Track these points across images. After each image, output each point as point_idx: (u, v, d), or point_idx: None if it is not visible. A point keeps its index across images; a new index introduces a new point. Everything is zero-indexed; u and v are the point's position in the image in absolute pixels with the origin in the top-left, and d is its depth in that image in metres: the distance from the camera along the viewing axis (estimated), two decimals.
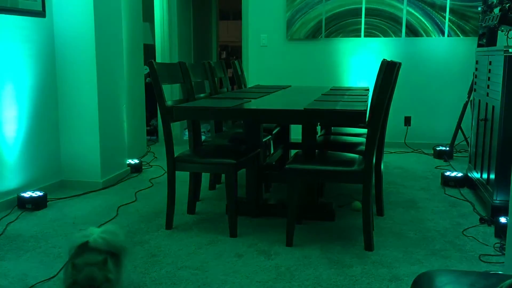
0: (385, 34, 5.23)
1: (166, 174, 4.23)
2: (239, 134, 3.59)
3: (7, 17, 3.15)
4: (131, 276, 2.25)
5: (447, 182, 3.76)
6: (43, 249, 2.56)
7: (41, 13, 3.46)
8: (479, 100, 3.50)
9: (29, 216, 3.08)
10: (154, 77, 2.77)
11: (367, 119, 2.57)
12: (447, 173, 3.79)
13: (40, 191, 3.28)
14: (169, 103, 2.85)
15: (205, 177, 4.01)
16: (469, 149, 3.82)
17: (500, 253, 2.49)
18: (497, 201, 2.93)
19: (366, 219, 2.52)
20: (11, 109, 3.25)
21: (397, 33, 5.21)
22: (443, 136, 5.29)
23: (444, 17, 5.11)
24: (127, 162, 4.18)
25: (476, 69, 3.65)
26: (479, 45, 4.02)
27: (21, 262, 2.40)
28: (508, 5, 3.17)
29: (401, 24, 5.19)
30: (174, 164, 2.81)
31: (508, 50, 2.80)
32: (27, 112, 3.39)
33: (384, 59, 2.61)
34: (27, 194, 3.21)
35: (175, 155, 2.82)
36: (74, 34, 3.58)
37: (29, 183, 3.42)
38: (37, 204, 3.20)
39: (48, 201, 3.34)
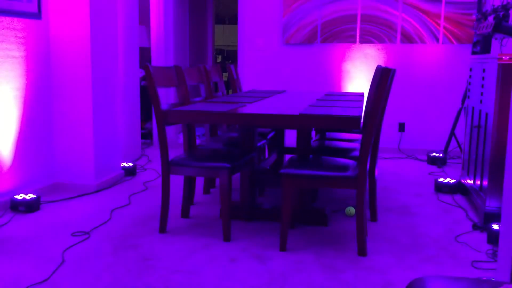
0: (380, 40, 5.26)
1: (160, 177, 4.23)
2: (234, 138, 3.59)
3: (1, 19, 3.15)
4: (123, 280, 2.24)
5: (441, 188, 3.77)
6: (36, 252, 2.55)
7: (37, 15, 3.45)
8: (473, 107, 3.52)
9: (22, 218, 3.07)
10: (150, 80, 2.77)
11: (361, 124, 2.58)
12: (441, 179, 3.81)
13: (33, 194, 3.26)
14: (164, 106, 2.85)
15: (199, 181, 4.00)
16: (462, 156, 3.84)
17: (493, 260, 2.50)
18: (490, 208, 2.95)
19: (359, 224, 2.53)
20: (4, 111, 3.24)
21: (392, 40, 5.24)
22: (437, 143, 5.31)
23: (439, 24, 5.14)
24: (122, 165, 4.17)
25: (470, 76, 3.68)
26: (473, 53, 4.05)
27: (13, 265, 2.39)
28: (502, 14, 3.20)
29: (396, 31, 5.22)
30: (168, 167, 2.81)
31: (502, 58, 2.83)
32: (21, 114, 3.38)
33: (378, 65, 2.62)
34: (20, 197, 3.20)
35: (170, 159, 2.82)
36: (69, 36, 3.58)
37: (22, 185, 3.40)
38: (30, 206, 3.18)
39: (41, 203, 3.32)
